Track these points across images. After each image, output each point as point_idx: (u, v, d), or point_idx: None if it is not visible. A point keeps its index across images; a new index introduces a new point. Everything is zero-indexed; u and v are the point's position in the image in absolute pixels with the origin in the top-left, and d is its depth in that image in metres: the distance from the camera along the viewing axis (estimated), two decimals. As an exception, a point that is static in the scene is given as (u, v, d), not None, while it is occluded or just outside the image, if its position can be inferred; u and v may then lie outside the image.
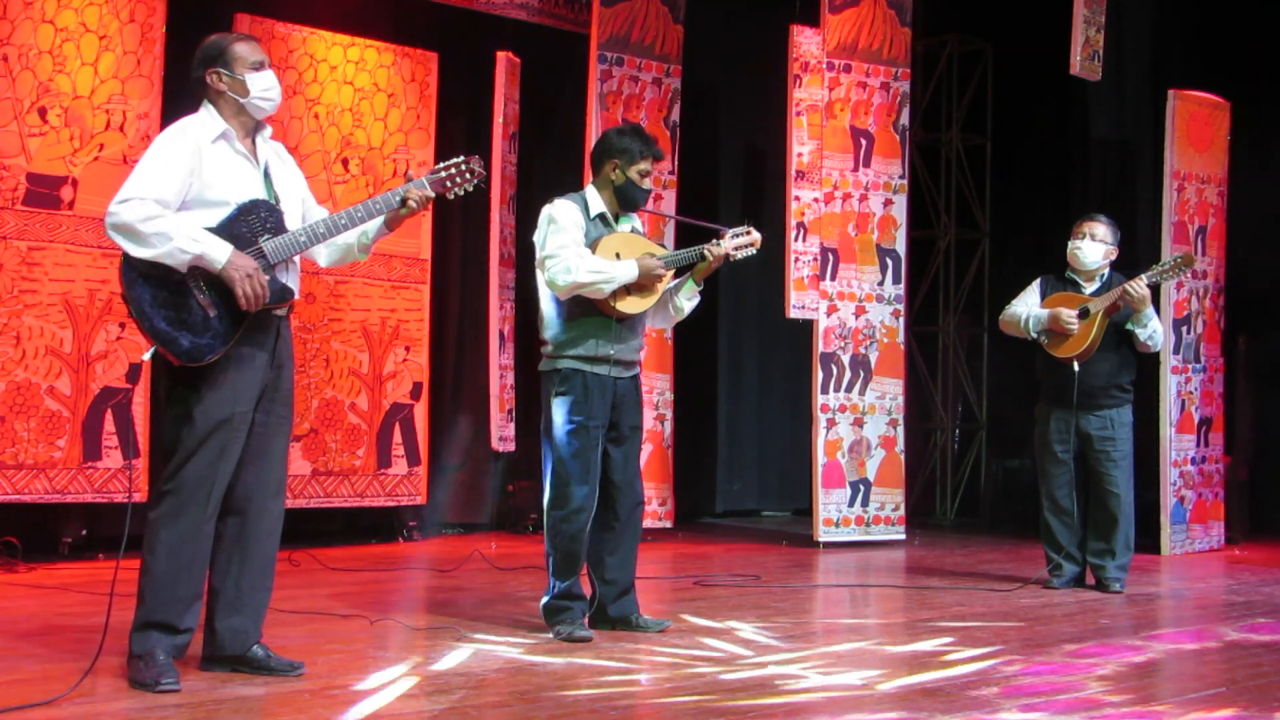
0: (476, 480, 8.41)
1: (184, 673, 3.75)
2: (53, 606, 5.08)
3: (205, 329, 3.67)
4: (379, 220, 4.01)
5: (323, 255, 4.10)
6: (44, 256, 6.25)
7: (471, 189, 4.07)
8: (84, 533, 6.49)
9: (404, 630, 4.72)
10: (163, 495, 3.75)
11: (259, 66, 3.84)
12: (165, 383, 3.81)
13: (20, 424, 6.19)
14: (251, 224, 3.76)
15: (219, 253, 3.66)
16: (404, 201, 3.95)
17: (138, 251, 3.61)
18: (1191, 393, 7.77)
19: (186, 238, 3.62)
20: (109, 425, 6.38)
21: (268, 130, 3.98)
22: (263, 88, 3.83)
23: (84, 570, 5.98)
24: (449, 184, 4.03)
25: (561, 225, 4.65)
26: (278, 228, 3.81)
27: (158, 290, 3.65)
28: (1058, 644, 4.69)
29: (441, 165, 4.06)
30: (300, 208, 4.01)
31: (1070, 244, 6.16)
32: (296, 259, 3.94)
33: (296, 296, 3.94)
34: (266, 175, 3.90)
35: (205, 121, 3.82)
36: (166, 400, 3.81)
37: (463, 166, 4.04)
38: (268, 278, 3.73)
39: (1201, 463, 7.83)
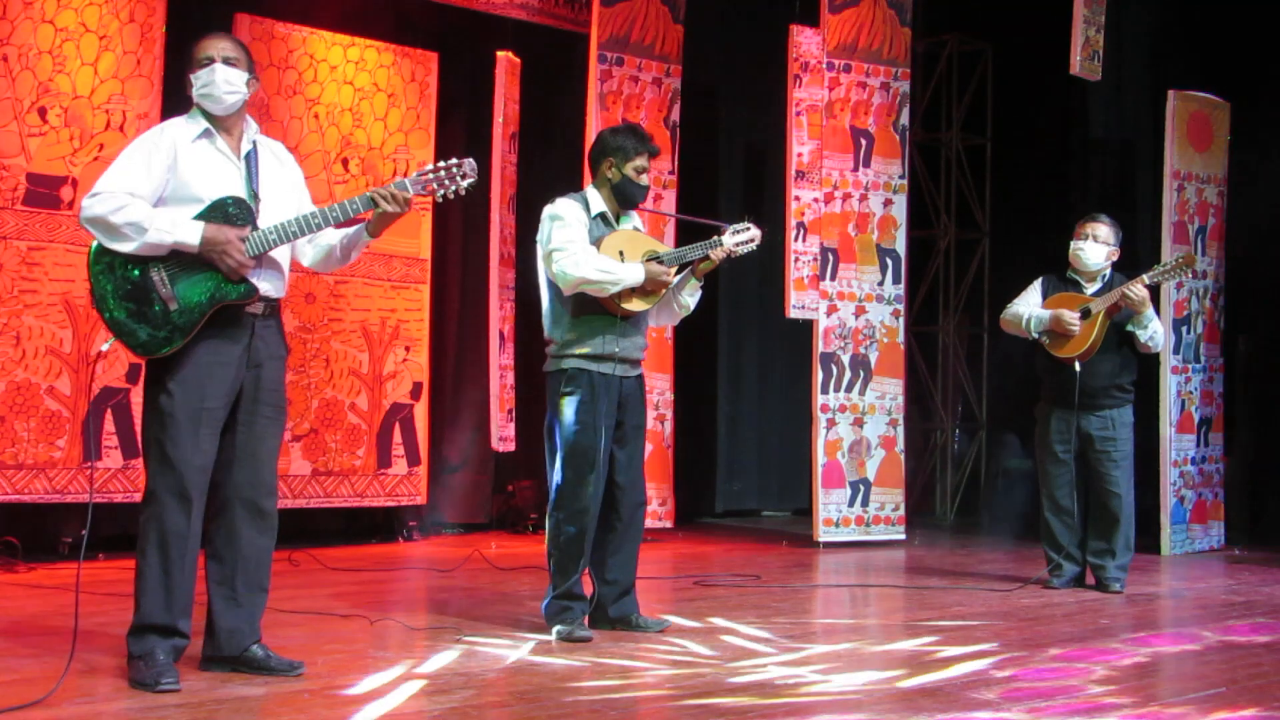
0: (476, 480, 8.40)
1: (184, 673, 3.75)
2: (53, 606, 5.07)
3: (164, 323, 3.70)
4: (360, 227, 4.01)
5: (307, 255, 4.11)
6: (44, 256, 6.25)
7: (463, 191, 4.01)
8: (84, 532, 6.48)
9: (404, 630, 4.72)
10: (148, 498, 3.77)
11: (206, 63, 3.83)
12: (145, 384, 3.85)
13: (20, 424, 6.19)
14: (219, 220, 3.76)
15: (192, 235, 3.71)
16: (374, 201, 3.91)
17: (115, 245, 3.68)
18: (1191, 393, 7.77)
19: (157, 229, 3.68)
20: (109, 425, 6.38)
21: (254, 128, 3.97)
22: (201, 85, 3.84)
23: (84, 570, 5.96)
24: (435, 185, 3.98)
25: (567, 221, 4.66)
26: (248, 224, 3.80)
27: (121, 283, 3.70)
28: (1058, 644, 4.69)
29: (431, 166, 4.02)
30: (293, 207, 3.97)
31: (1072, 244, 6.16)
32: (281, 260, 3.94)
33: (277, 296, 3.93)
34: (249, 173, 3.89)
35: (187, 122, 3.87)
36: (144, 401, 3.85)
37: (454, 170, 3.99)
38: (254, 244, 3.76)
39: (1201, 463, 7.83)
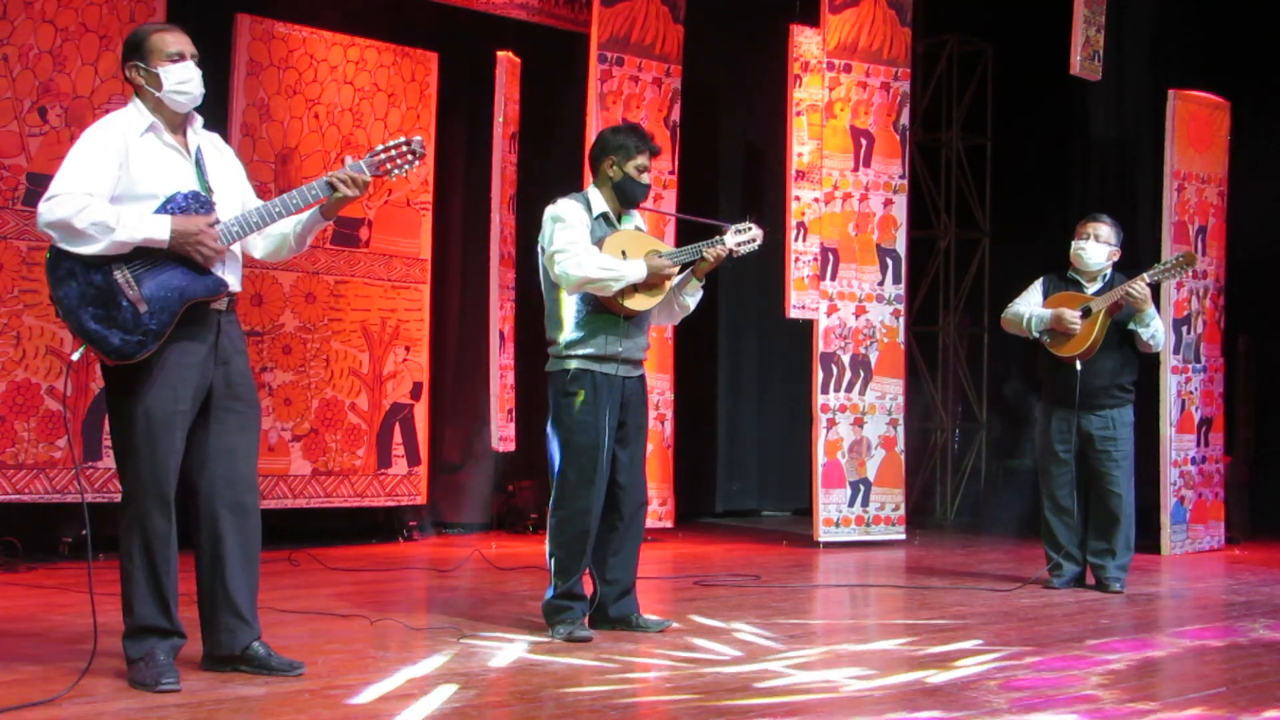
0: (476, 480, 8.40)
1: (184, 673, 3.75)
2: (53, 606, 5.08)
3: (136, 326, 3.64)
4: (313, 210, 3.99)
5: (258, 247, 4.06)
6: (43, 256, 6.22)
7: (412, 168, 4.02)
8: (84, 533, 6.47)
9: (404, 630, 4.72)
10: (127, 502, 3.75)
11: (177, 58, 3.78)
12: (107, 389, 3.80)
13: (20, 424, 6.19)
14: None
15: (161, 230, 3.65)
16: (332, 186, 3.90)
17: (79, 248, 3.59)
18: (1191, 393, 7.77)
19: (125, 227, 3.60)
20: (108, 425, 6.37)
21: (198, 121, 3.93)
22: (178, 80, 3.77)
23: (84, 570, 5.96)
24: (387, 164, 3.98)
25: (569, 222, 4.66)
26: (210, 217, 3.76)
27: (85, 288, 3.62)
28: (1058, 644, 4.69)
29: (381, 146, 4.00)
30: (239, 199, 3.95)
31: (1074, 244, 6.16)
32: (238, 253, 3.92)
33: (237, 290, 3.90)
34: (199, 167, 3.86)
35: (132, 116, 3.79)
36: (108, 407, 3.81)
37: (403, 147, 3.98)
38: (217, 227, 3.72)
39: (1201, 463, 7.83)
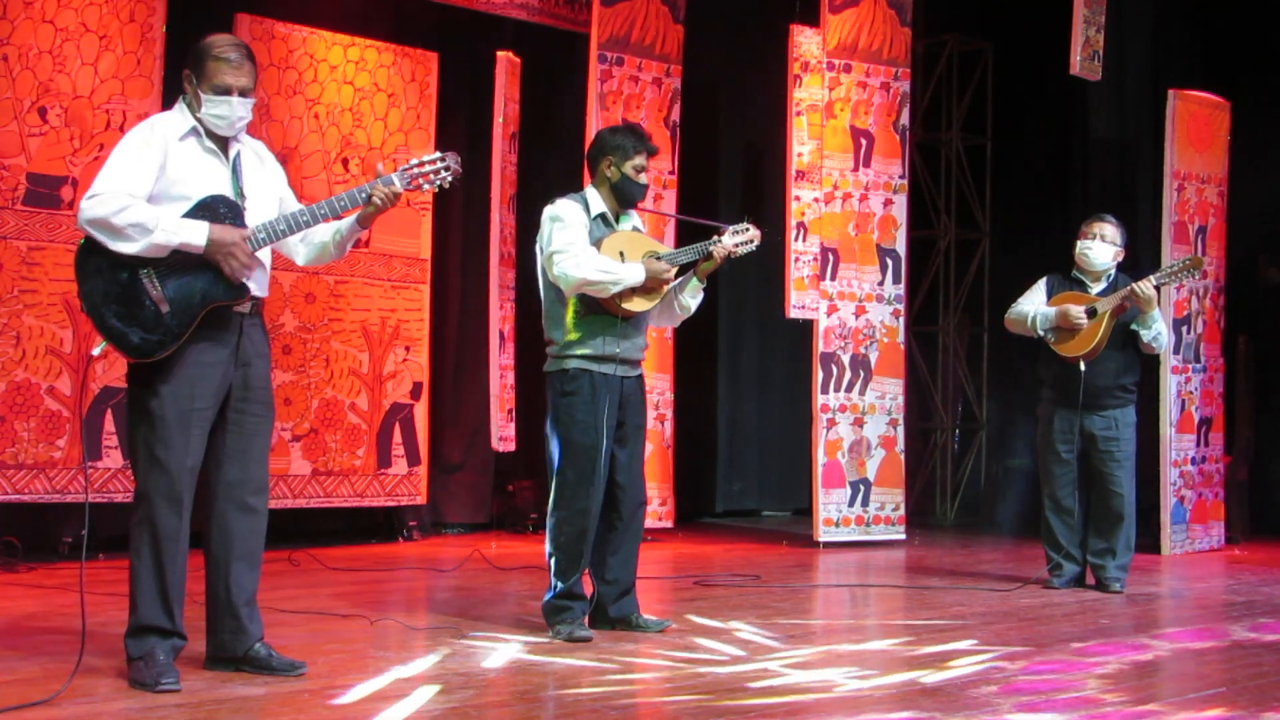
0: (476, 480, 8.40)
1: (185, 673, 3.75)
2: (53, 606, 5.07)
3: (156, 326, 3.67)
4: (351, 219, 4.01)
5: (300, 254, 4.10)
6: (44, 256, 6.25)
7: (447, 185, 4.04)
8: (84, 532, 6.47)
9: (404, 630, 4.72)
10: (138, 500, 3.76)
11: (223, 91, 3.79)
12: (128, 385, 3.83)
13: (20, 424, 6.19)
14: (209, 220, 3.74)
15: (198, 236, 3.69)
16: (369, 198, 3.92)
17: (118, 246, 3.63)
18: (1191, 393, 7.77)
19: (163, 230, 3.64)
20: (109, 425, 6.38)
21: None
22: (213, 113, 3.80)
23: (84, 570, 5.96)
24: (420, 180, 3.99)
25: (567, 222, 4.66)
26: (237, 224, 3.78)
27: (110, 285, 3.66)
28: (1058, 644, 4.69)
29: (415, 160, 4.02)
30: (277, 206, 3.97)
31: (1080, 244, 6.15)
32: (264, 259, 3.92)
33: (261, 295, 3.92)
34: (235, 173, 3.88)
35: (175, 118, 3.83)
36: (127, 403, 3.84)
37: (438, 163, 4.01)
38: (249, 244, 3.74)
39: (1201, 463, 7.83)
